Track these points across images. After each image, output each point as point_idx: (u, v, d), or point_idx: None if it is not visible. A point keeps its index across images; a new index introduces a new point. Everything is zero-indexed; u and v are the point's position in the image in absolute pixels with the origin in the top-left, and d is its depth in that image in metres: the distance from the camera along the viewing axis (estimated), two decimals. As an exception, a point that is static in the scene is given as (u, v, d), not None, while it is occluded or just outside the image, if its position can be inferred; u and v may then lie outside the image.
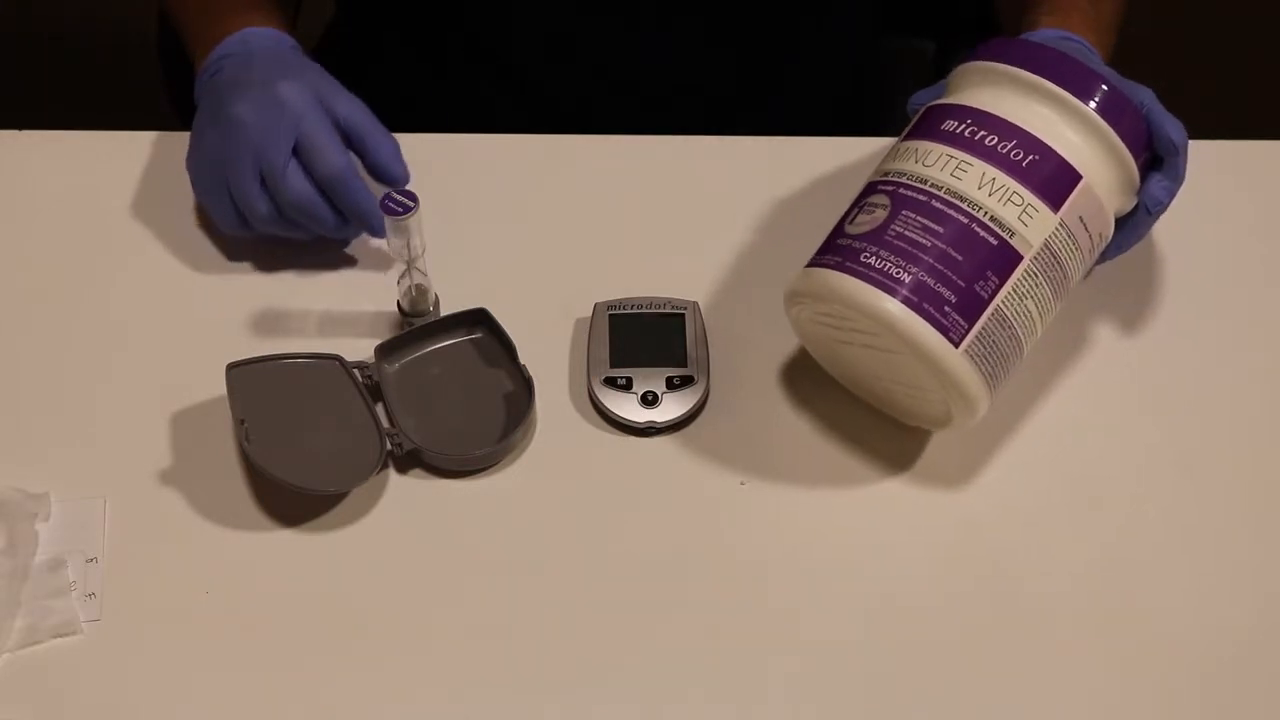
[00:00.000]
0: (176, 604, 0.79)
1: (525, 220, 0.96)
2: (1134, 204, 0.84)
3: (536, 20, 1.04)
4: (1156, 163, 0.84)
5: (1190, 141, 0.99)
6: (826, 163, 0.99)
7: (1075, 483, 0.85)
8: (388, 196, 0.82)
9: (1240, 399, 0.89)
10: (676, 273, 0.93)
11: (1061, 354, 0.90)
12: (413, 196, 0.82)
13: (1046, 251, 0.79)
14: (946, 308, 0.77)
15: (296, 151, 0.87)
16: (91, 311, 0.91)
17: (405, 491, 0.83)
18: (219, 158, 0.88)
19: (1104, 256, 0.85)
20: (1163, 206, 0.84)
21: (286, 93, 0.88)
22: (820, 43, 1.09)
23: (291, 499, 0.82)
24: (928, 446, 0.86)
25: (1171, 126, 0.83)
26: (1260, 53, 1.91)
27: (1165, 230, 0.97)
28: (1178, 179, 0.84)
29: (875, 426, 0.86)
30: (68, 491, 0.82)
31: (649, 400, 0.86)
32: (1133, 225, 0.85)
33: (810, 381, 0.88)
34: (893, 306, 0.77)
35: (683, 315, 0.90)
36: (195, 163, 0.92)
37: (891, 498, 0.84)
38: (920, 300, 0.77)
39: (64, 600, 0.78)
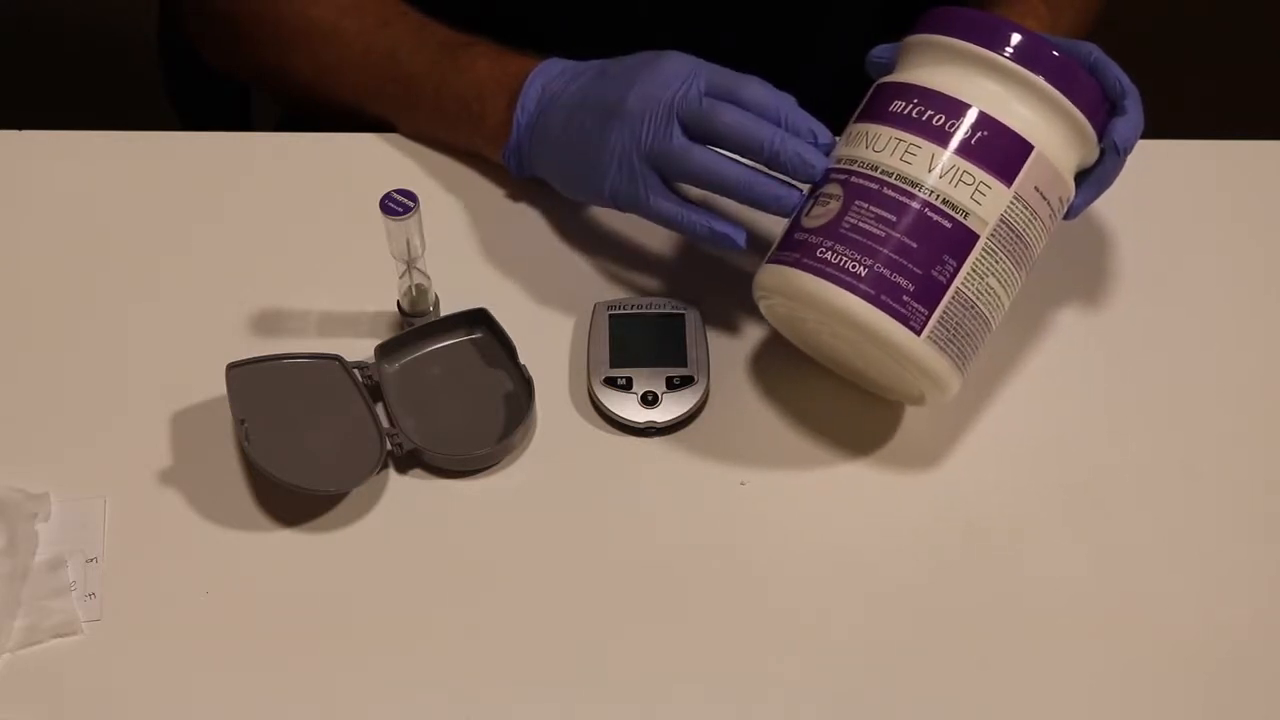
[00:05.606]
0: (176, 604, 0.79)
1: (525, 220, 0.96)
2: (1096, 155, 0.83)
3: (547, 27, 1.04)
4: (1111, 108, 0.83)
5: (1190, 141, 0.98)
6: (827, 163, 0.99)
7: (1076, 481, 0.85)
8: (387, 197, 0.82)
9: (1230, 392, 0.89)
10: (676, 273, 0.93)
11: (1071, 353, 0.90)
12: (413, 196, 0.82)
13: (1004, 227, 0.79)
14: (905, 297, 0.77)
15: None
16: (91, 311, 0.91)
17: (405, 491, 0.83)
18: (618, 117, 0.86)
19: (1074, 210, 0.83)
20: (1132, 143, 0.83)
21: (671, 57, 0.87)
22: (830, 45, 1.10)
23: (291, 499, 0.82)
24: (933, 449, 0.85)
25: (1119, 73, 0.82)
26: (1260, 53, 1.91)
27: (1165, 229, 0.97)
28: (1139, 117, 0.83)
29: (878, 427, 0.86)
30: (68, 491, 0.82)
31: (649, 400, 0.86)
32: (1103, 171, 0.84)
33: (810, 382, 0.88)
34: (850, 302, 0.77)
35: (683, 315, 0.90)
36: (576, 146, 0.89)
37: (895, 498, 0.84)
38: (878, 293, 0.77)
39: (64, 600, 0.78)
